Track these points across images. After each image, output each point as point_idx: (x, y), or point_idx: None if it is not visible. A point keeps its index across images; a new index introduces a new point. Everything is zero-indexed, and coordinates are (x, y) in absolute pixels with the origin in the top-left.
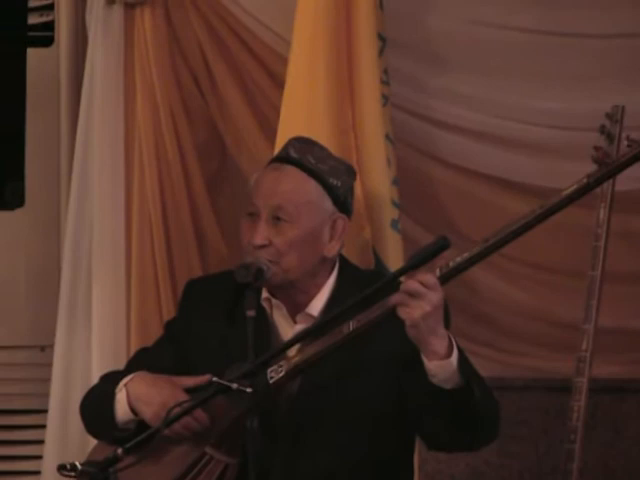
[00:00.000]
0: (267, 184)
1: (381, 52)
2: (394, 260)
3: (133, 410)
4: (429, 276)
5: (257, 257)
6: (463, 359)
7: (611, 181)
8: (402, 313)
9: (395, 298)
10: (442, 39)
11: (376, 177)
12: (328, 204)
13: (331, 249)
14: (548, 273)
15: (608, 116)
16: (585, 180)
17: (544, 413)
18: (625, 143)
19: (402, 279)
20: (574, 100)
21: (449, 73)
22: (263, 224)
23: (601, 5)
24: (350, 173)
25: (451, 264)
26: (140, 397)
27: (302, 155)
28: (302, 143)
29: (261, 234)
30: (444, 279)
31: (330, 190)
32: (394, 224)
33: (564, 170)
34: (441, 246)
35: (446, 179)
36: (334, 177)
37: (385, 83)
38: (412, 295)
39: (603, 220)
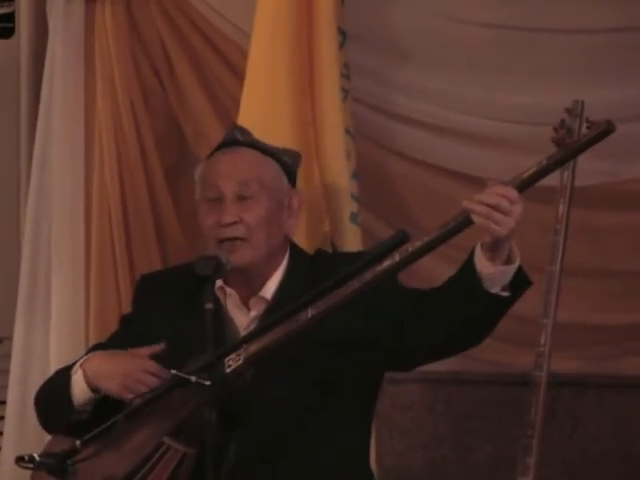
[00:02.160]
0: (225, 166)
1: (341, 46)
2: None
3: (93, 389)
4: (513, 191)
5: (223, 242)
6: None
7: (570, 176)
8: (492, 230)
9: (479, 209)
10: (404, 33)
11: (335, 170)
12: (285, 180)
13: (290, 227)
14: None
15: (568, 111)
16: (544, 162)
17: (502, 407)
18: (585, 125)
19: None
20: (537, 95)
21: (411, 67)
22: (230, 202)
23: (564, 1)
24: (298, 154)
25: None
26: (100, 373)
27: (250, 138)
28: (245, 130)
29: (230, 212)
30: None
31: (285, 167)
32: (353, 217)
33: (527, 165)
34: (400, 240)
35: (407, 173)
36: (285, 155)
37: (345, 77)
38: (503, 212)
39: (562, 215)
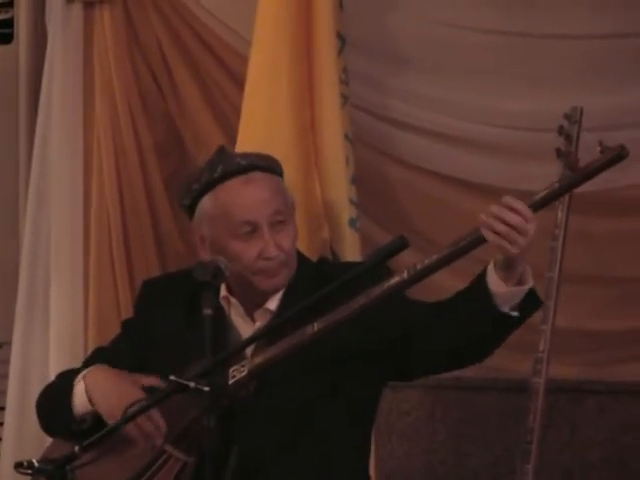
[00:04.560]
0: (250, 197)
1: (340, 52)
2: (352, 259)
3: (91, 401)
4: (525, 207)
5: (271, 270)
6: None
7: None
8: (506, 248)
9: (500, 228)
10: (402, 39)
11: (334, 176)
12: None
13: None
14: None
15: (566, 117)
16: (557, 185)
17: (501, 413)
18: (598, 149)
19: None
20: (535, 101)
21: (409, 73)
22: (269, 234)
23: (562, 6)
24: (276, 160)
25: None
26: (98, 389)
27: (251, 161)
28: (239, 154)
29: (271, 244)
30: None
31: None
32: (352, 223)
33: (524, 171)
34: (399, 246)
35: (405, 179)
36: (279, 167)
37: (344, 83)
38: (517, 230)
39: (561, 221)
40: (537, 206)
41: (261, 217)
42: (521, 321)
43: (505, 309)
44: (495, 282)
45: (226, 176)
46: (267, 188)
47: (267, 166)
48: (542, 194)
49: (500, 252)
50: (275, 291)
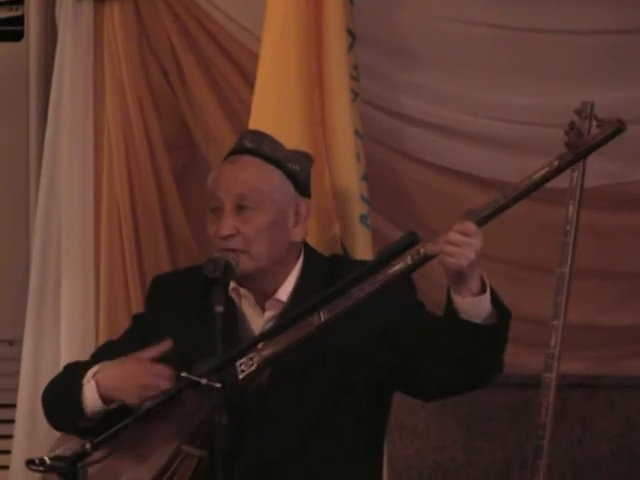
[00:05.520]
0: (227, 176)
1: (350, 47)
2: (363, 255)
3: (105, 400)
4: (468, 224)
5: (225, 251)
6: (495, 297)
7: (580, 177)
8: (447, 263)
9: (437, 248)
10: (412, 35)
11: (345, 172)
12: (290, 189)
13: (297, 234)
14: (515, 268)
15: (577, 112)
16: (556, 162)
17: (512, 409)
18: (594, 124)
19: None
20: (545, 96)
21: (419, 69)
22: (228, 214)
23: (570, 2)
24: (308, 158)
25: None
26: (115, 386)
27: (257, 145)
28: (255, 134)
29: (227, 224)
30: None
31: (290, 175)
32: (363, 219)
33: (534, 166)
34: (410, 242)
35: (416, 175)
36: (292, 162)
37: (354, 79)
38: (456, 244)
39: (572, 216)
40: (532, 188)
41: (226, 196)
42: (496, 331)
43: (475, 321)
44: (453, 297)
45: (229, 154)
46: (244, 171)
47: (267, 154)
48: (541, 172)
49: (443, 267)
50: (245, 277)
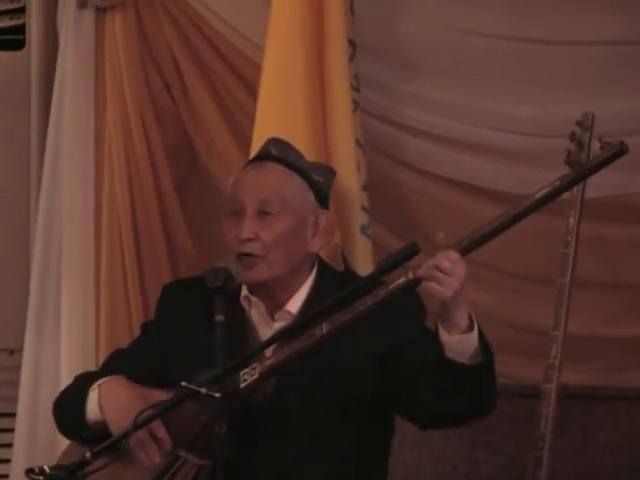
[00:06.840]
0: (251, 180)
1: (352, 58)
2: (363, 265)
3: (102, 410)
4: (452, 252)
5: (241, 256)
6: (482, 335)
7: (581, 188)
8: (433, 291)
9: (422, 273)
10: (413, 45)
11: (346, 182)
12: (312, 199)
13: (314, 245)
14: (516, 279)
15: (578, 123)
16: (558, 182)
17: (512, 419)
18: (597, 145)
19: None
20: (546, 107)
21: (420, 79)
22: (249, 218)
23: (574, 12)
24: (331, 171)
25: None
26: (110, 399)
27: (283, 153)
28: (281, 143)
29: (247, 228)
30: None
31: (313, 185)
32: (364, 229)
33: (535, 177)
34: (411, 252)
35: (416, 185)
36: (316, 173)
37: (355, 89)
38: (442, 271)
39: (573, 227)
40: (530, 210)
41: (248, 200)
42: (483, 369)
43: (462, 359)
44: (441, 332)
45: (253, 159)
46: (270, 177)
47: (292, 163)
48: (543, 192)
49: (435, 297)
50: (251, 284)
